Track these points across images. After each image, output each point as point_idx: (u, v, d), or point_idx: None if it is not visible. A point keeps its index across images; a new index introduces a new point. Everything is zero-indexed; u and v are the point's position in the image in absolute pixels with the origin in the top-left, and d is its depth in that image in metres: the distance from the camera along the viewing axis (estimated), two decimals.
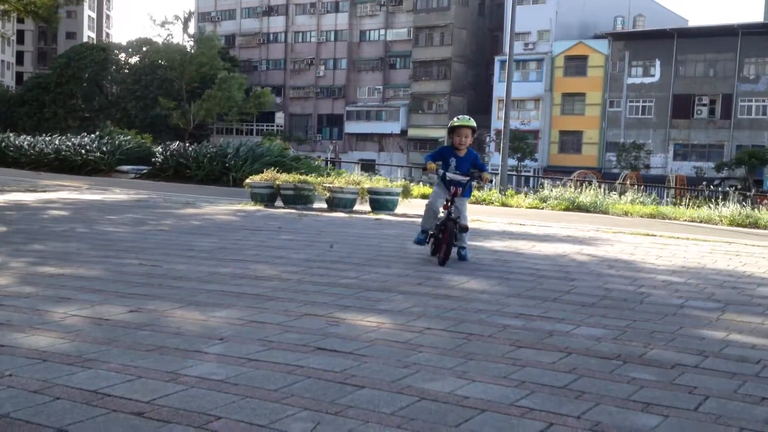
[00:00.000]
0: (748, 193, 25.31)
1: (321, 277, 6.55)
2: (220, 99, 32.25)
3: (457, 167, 7.52)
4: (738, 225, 15.90)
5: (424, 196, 21.20)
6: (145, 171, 26.94)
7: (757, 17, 58.57)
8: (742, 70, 56.36)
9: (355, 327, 4.69)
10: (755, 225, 15.79)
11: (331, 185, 14.96)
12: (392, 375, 3.68)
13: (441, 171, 7.52)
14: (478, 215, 14.69)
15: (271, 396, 3.30)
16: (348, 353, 4.07)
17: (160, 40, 34.60)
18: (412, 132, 70.94)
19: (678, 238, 11.46)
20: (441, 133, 69.31)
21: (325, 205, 14.85)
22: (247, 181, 15.78)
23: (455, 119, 7.64)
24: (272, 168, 17.94)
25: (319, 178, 16.27)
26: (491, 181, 7.94)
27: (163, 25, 32.74)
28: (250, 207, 14.34)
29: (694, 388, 3.64)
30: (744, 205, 18.66)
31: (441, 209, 7.61)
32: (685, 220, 16.83)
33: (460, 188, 7.47)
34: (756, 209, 17.61)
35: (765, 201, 28.79)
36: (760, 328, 5.09)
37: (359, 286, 6.13)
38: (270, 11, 79.81)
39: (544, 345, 4.41)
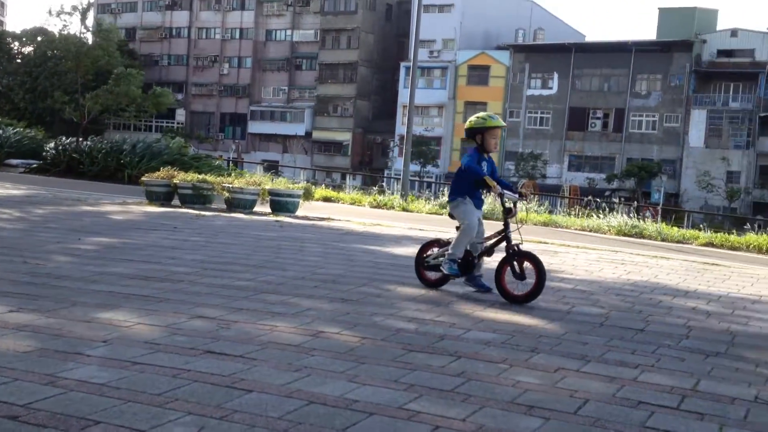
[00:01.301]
0: (634, 204, 26.46)
1: (215, 278, 6.43)
2: (117, 94, 31.27)
3: (488, 171, 6.45)
4: (625, 234, 16.57)
5: (326, 199, 21.18)
6: (35, 165, 25.79)
7: (650, 35, 61.28)
8: (634, 85, 58.85)
9: (247, 330, 4.63)
10: (640, 235, 16.49)
11: (230, 185, 14.73)
12: (282, 379, 3.65)
13: (500, 190, 6.23)
14: (379, 219, 14.79)
15: (154, 400, 3.22)
16: (238, 357, 4.01)
17: (56, 30, 33.30)
18: (317, 134, 70.73)
19: (568, 246, 11.85)
20: (345, 137, 69.44)
21: (224, 206, 14.62)
22: (143, 178, 15.34)
23: (486, 117, 6.46)
24: (170, 166, 17.53)
25: (218, 178, 15.99)
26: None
27: (59, 15, 31.52)
28: (146, 206, 13.96)
29: (575, 391, 3.76)
30: (631, 216, 19.47)
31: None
32: (576, 229, 17.42)
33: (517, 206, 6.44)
34: (642, 220, 18.40)
35: (647, 211, 30.15)
36: (640, 334, 5.32)
37: (254, 289, 6.06)
38: (173, 5, 77.95)
39: (435, 349, 4.46)
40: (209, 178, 15.38)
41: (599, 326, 5.48)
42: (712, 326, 5.77)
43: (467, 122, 6.53)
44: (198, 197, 14.50)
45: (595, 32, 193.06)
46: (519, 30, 66.15)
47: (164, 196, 14.69)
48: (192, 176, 15.17)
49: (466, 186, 6.44)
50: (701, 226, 20.63)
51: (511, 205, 6.35)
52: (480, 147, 6.43)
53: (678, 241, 15.78)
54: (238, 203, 14.40)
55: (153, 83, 70.49)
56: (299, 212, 14.74)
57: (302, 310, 5.35)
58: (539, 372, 4.09)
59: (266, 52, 74.24)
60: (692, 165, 55.49)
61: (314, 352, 4.22)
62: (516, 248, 6.23)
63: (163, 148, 23.84)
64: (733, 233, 16.93)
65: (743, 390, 3.98)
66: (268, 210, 14.56)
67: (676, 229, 17.87)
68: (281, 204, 14.54)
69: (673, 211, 36.54)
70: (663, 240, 15.94)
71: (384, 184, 43.92)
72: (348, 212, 16.68)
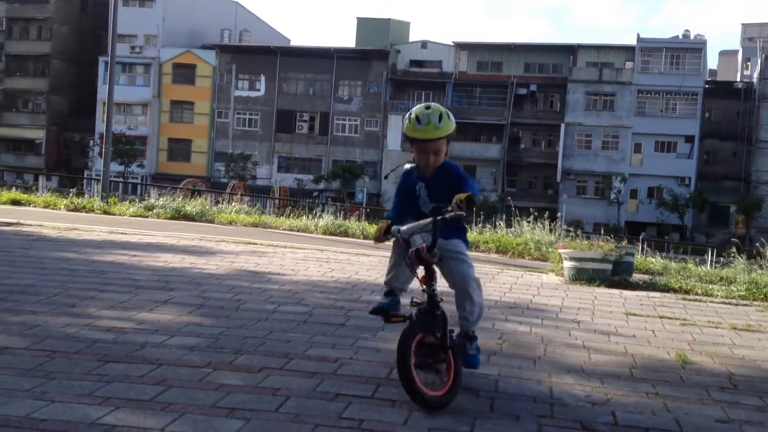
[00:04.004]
0: (342, 205, 27.63)
1: None
2: None
3: (430, 197, 4.13)
4: (331, 234, 17.21)
5: (15, 202, 19.40)
6: None
7: (350, 43, 64.41)
8: (338, 91, 61.43)
9: None
10: (345, 233, 17.23)
11: None
12: None
13: (398, 228, 3.96)
14: (76, 224, 13.85)
15: None
16: None
17: None
18: (4, 131, 64.53)
19: (276, 246, 12.03)
20: (38, 134, 64.22)
21: None
22: None
23: (412, 120, 4.02)
24: None
25: None
26: (473, 203, 3.66)
27: None
28: None
29: (278, 389, 3.82)
30: (338, 216, 20.28)
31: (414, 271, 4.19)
32: (285, 229, 17.75)
33: (425, 246, 3.89)
34: (348, 219, 19.27)
35: (356, 212, 31.70)
36: (341, 329, 5.55)
37: None
38: None
39: (134, 358, 4.28)
40: None
41: (303, 323, 5.63)
42: None
43: None
44: None
45: (299, 37, 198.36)
46: (224, 30, 65.90)
47: None
48: None
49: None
50: None
51: (416, 246, 3.92)
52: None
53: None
54: None
55: None
56: None
57: None
58: (243, 373, 4.10)
59: None
60: (391, 166, 59.14)
61: None
62: (435, 316, 3.94)
63: None
64: None
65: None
66: None
67: (376, 226, 18.90)
68: None
69: (376, 211, 38.70)
70: (365, 237, 16.79)
71: (84, 185, 41.34)
72: (41, 216, 15.42)
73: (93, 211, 18.95)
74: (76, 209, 19.08)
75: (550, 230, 14.31)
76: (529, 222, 14.71)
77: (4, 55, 65.09)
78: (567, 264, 9.16)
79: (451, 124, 4.04)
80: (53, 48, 64.78)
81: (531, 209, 15.69)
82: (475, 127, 59.42)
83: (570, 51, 59.38)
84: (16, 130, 64.58)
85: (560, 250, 9.50)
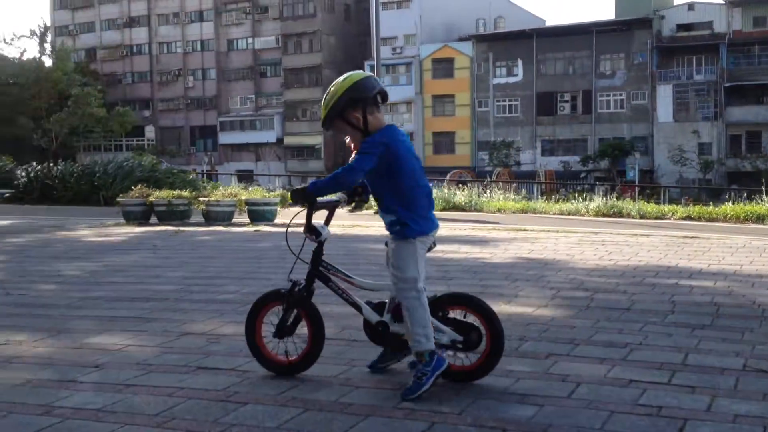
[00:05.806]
0: (617, 184, 26.62)
1: (200, 293, 6.42)
2: (81, 116, 31.00)
3: None
4: (603, 215, 16.71)
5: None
6: (7, 194, 25.48)
7: (610, 15, 61.79)
8: (599, 66, 59.27)
9: (236, 343, 4.63)
10: (619, 214, 16.64)
11: (207, 199, 14.67)
12: (276, 388, 3.67)
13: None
14: (357, 221, 14.79)
15: (151, 421, 3.22)
16: (230, 370, 4.02)
17: (13, 55, 32.86)
18: (289, 140, 70.56)
19: (548, 231, 11.93)
20: (318, 140, 69.36)
21: (202, 219, 14.56)
22: (119, 199, 15.27)
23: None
24: (144, 184, 17.41)
25: (194, 192, 15.93)
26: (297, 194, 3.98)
27: (12, 41, 31.14)
28: (123, 226, 13.87)
29: (567, 375, 3.81)
30: (609, 197, 19.64)
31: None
32: (555, 214, 17.54)
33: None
34: (621, 199, 18.58)
35: (629, 191, 30.36)
36: (627, 313, 5.38)
37: (240, 301, 6.05)
38: (131, 23, 77.29)
39: None
40: (184, 193, 15.32)
41: (585, 309, 5.54)
42: (695, 299, 5.84)
43: None
44: (174, 213, 14.43)
45: (554, 16, 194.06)
46: (479, 20, 66.38)
47: (141, 214, 14.61)
48: (167, 193, 15.11)
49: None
50: (681, 201, 20.78)
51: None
52: None
53: (656, 217, 15.93)
54: (215, 216, 14.35)
55: (118, 102, 69.92)
56: (278, 220, 14.72)
57: None
58: (530, 360, 4.14)
59: (229, 61, 73.89)
60: (663, 140, 56.00)
61: None
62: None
63: (135, 166, 23.67)
64: (710, 204, 17.10)
65: (731, 360, 4.05)
66: (247, 220, 14.52)
67: (653, 205, 18.03)
68: (259, 213, 14.51)
69: (650, 188, 36.83)
70: (642, 217, 16.09)
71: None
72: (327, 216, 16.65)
73: (371, 207, 20.08)
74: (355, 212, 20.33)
75: None
76: None
77: (282, 70, 71.10)
78: None
79: (328, 100, 3.72)
80: (324, 58, 69.56)
81: None
82: (756, 88, 54.23)
83: None
84: (298, 138, 70.28)
85: None
